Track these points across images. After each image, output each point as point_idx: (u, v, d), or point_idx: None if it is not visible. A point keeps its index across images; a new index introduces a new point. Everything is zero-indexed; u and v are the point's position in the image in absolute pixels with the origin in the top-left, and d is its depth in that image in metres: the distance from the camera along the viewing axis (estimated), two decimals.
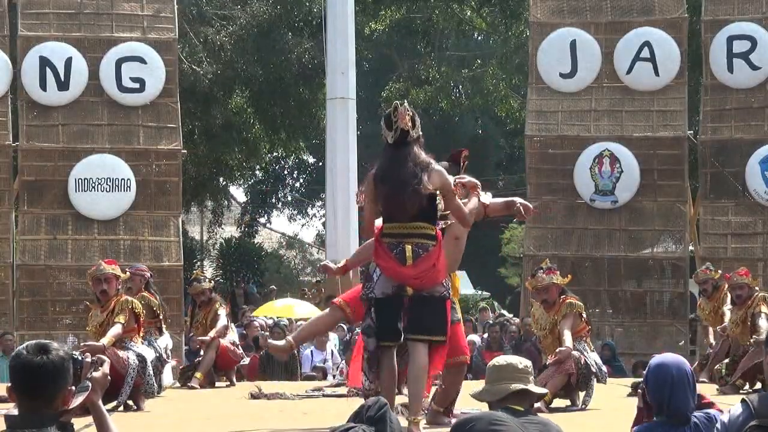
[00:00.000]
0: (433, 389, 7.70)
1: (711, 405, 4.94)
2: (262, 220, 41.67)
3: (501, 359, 5.01)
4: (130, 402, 9.33)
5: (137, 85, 18.05)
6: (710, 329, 13.15)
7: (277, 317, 18.48)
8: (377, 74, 35.99)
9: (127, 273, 10.12)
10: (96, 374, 3.94)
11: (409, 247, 6.85)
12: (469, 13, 31.71)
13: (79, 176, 17.70)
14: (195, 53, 24.49)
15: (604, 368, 9.92)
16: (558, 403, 9.36)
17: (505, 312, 22.72)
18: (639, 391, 4.98)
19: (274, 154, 34.35)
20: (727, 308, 12.16)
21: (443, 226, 7.26)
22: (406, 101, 7.19)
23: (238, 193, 40.81)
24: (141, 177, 17.97)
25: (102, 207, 17.75)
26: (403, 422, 6.46)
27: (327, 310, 8.18)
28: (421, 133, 7.01)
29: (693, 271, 15.49)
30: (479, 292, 32.03)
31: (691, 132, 18.70)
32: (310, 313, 19.64)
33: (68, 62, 17.89)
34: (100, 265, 9.48)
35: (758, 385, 10.79)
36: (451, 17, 30.68)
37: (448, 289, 7.04)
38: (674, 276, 18.40)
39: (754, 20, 18.31)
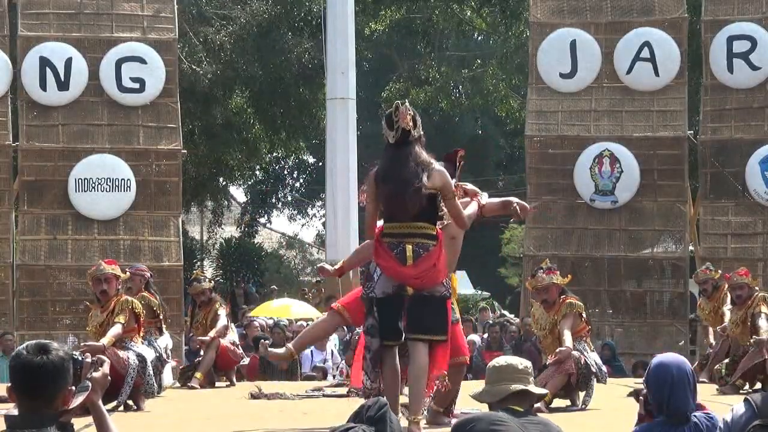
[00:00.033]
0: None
1: (701, 408, 4.94)
2: (262, 220, 41.68)
3: (501, 360, 5.01)
4: (130, 402, 9.33)
5: (137, 85, 18.05)
6: (710, 329, 13.16)
7: (277, 318, 18.47)
8: (377, 74, 35.99)
9: (127, 273, 10.12)
10: (96, 374, 3.94)
11: (409, 247, 6.85)
12: (469, 13, 31.70)
13: (79, 176, 17.69)
14: (195, 53, 24.49)
15: (604, 368, 9.93)
16: (558, 403, 9.36)
17: (506, 312, 22.71)
18: (641, 398, 4.97)
19: (274, 154, 34.34)
20: (727, 308, 12.17)
21: (440, 227, 7.27)
22: (407, 101, 7.20)
23: (238, 193, 40.85)
24: (141, 177, 17.96)
25: (102, 207, 17.75)
26: (404, 422, 6.47)
27: (325, 315, 8.17)
28: (422, 132, 7.02)
29: (693, 271, 15.49)
30: (479, 292, 32.02)
31: (691, 132, 18.69)
32: (306, 313, 19.68)
33: (68, 62, 17.89)
34: (100, 265, 9.48)
35: (758, 385, 10.80)
36: (451, 17, 30.67)
37: (448, 289, 7.05)
38: (674, 276, 18.40)
39: (754, 20, 18.31)
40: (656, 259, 18.46)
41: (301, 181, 42.05)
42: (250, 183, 39.08)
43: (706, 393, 9.14)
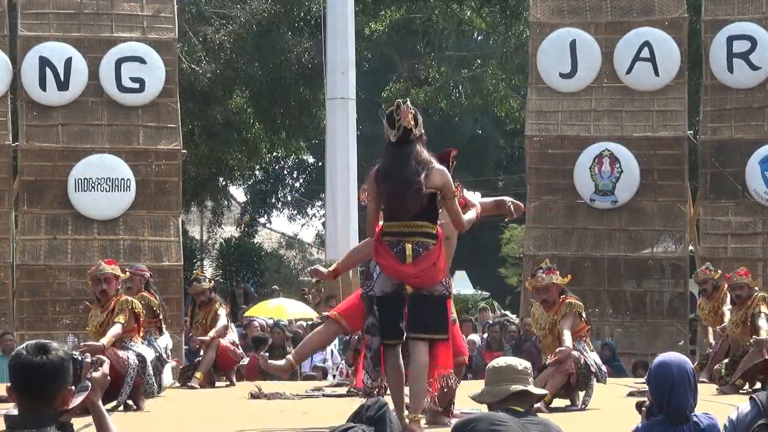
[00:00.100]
0: None
1: None
2: (262, 220, 41.69)
3: (500, 361, 5.01)
4: (130, 402, 9.33)
5: (137, 85, 18.05)
6: (710, 329, 13.16)
7: (277, 318, 18.48)
8: (377, 74, 35.99)
9: (127, 273, 10.12)
10: (96, 374, 3.94)
11: (409, 246, 6.86)
12: (469, 14, 31.70)
13: (79, 176, 17.69)
14: (194, 52, 24.48)
15: (604, 368, 9.92)
16: (558, 403, 9.36)
17: (508, 313, 22.70)
18: (643, 409, 4.98)
19: (274, 154, 34.34)
20: (726, 308, 12.17)
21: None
22: (408, 100, 7.20)
23: (238, 193, 40.86)
24: (141, 177, 17.96)
25: (102, 207, 17.75)
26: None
27: (323, 325, 8.12)
28: (423, 131, 7.02)
29: (693, 271, 15.49)
30: (479, 292, 32.02)
31: (691, 132, 18.69)
32: (302, 313, 19.70)
33: (68, 62, 17.89)
34: (99, 265, 9.48)
35: (758, 385, 10.79)
36: (450, 17, 30.67)
37: (448, 288, 7.05)
38: (674, 276, 18.39)
39: (754, 20, 18.30)
40: (656, 259, 18.46)
41: (301, 181, 42.06)
42: (250, 183, 39.10)
43: (705, 393, 9.14)
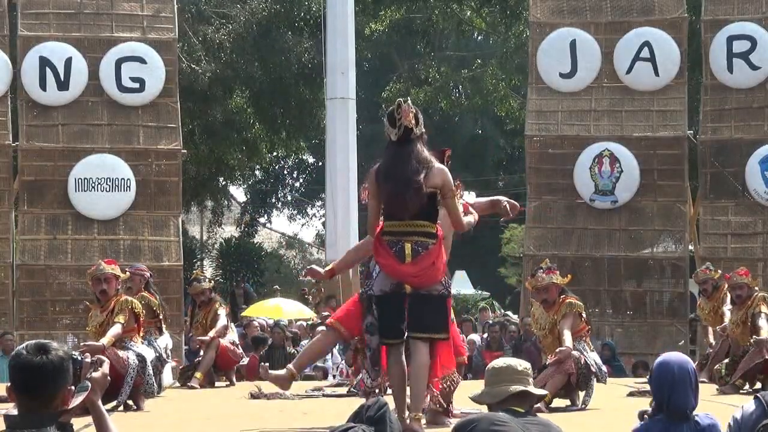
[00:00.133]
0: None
1: None
2: (262, 220, 41.70)
3: (500, 361, 5.01)
4: (130, 402, 9.33)
5: (137, 85, 18.04)
6: (710, 329, 13.15)
7: (277, 318, 18.48)
8: (377, 74, 36.00)
9: (127, 273, 10.12)
10: (95, 374, 3.94)
11: (408, 245, 6.86)
12: (468, 13, 31.69)
13: (79, 176, 17.69)
14: (194, 52, 24.48)
15: (604, 368, 9.92)
16: (558, 403, 9.36)
17: (509, 313, 22.71)
18: (646, 416, 4.97)
19: (274, 153, 34.36)
20: (726, 308, 12.16)
21: None
22: (409, 99, 7.21)
23: (238, 193, 40.87)
24: (141, 177, 17.96)
25: (102, 207, 17.74)
26: None
27: (322, 334, 8.09)
28: (424, 130, 7.02)
29: (693, 271, 15.49)
30: (479, 292, 32.05)
31: (691, 132, 18.69)
32: (299, 313, 19.71)
33: (68, 62, 17.88)
34: (99, 265, 9.47)
35: (758, 385, 10.79)
36: (450, 17, 30.67)
37: (447, 287, 7.05)
38: (674, 276, 18.39)
39: (754, 20, 18.30)
40: (656, 259, 18.46)
41: (301, 181, 42.08)
42: (250, 183, 39.11)
43: (706, 393, 9.13)
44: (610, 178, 18.09)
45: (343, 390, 10.94)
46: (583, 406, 9.32)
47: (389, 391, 7.09)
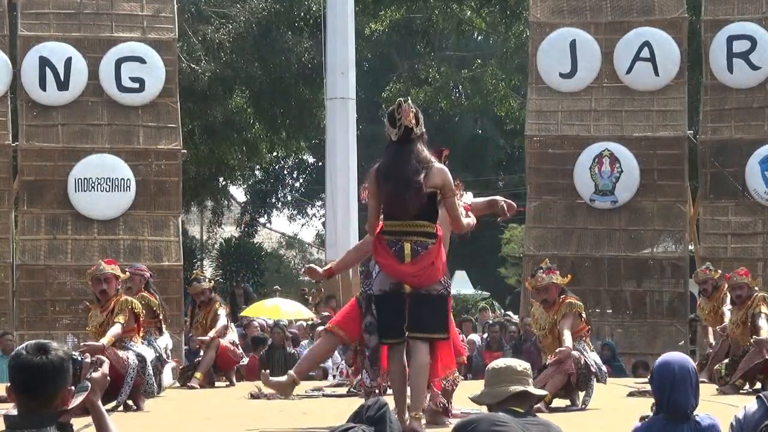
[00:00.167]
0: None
1: None
2: (262, 220, 41.71)
3: (499, 362, 5.01)
4: (130, 402, 9.33)
5: (137, 85, 18.04)
6: (710, 329, 13.15)
7: (277, 318, 18.48)
8: (377, 74, 36.01)
9: (127, 273, 10.12)
10: (95, 374, 3.94)
11: (408, 245, 6.86)
12: (468, 13, 31.70)
13: (79, 176, 17.68)
14: (194, 52, 24.48)
15: (604, 368, 9.92)
16: (558, 403, 9.36)
17: (510, 313, 22.72)
18: (646, 421, 4.97)
19: (274, 153, 34.37)
20: (726, 308, 12.16)
21: None
22: (409, 98, 7.21)
23: (238, 193, 40.88)
24: (141, 177, 17.95)
25: (102, 207, 17.74)
26: None
27: (321, 339, 8.09)
28: (424, 130, 7.02)
29: (693, 271, 15.49)
30: (479, 292, 32.06)
31: (691, 132, 18.69)
32: (298, 313, 19.70)
33: (68, 62, 17.88)
34: (99, 265, 9.47)
35: (758, 385, 10.79)
36: (450, 17, 30.67)
37: (447, 287, 7.04)
38: (674, 276, 18.39)
39: (754, 20, 18.30)
40: (656, 259, 18.46)
41: (301, 181, 42.09)
42: (250, 183, 39.12)
43: (706, 393, 9.13)
44: (610, 178, 18.09)
45: (343, 390, 10.94)
46: (583, 406, 9.31)
47: (389, 391, 7.09)
